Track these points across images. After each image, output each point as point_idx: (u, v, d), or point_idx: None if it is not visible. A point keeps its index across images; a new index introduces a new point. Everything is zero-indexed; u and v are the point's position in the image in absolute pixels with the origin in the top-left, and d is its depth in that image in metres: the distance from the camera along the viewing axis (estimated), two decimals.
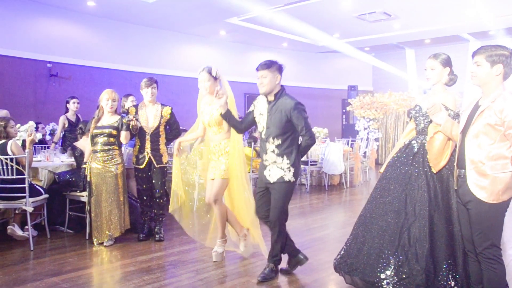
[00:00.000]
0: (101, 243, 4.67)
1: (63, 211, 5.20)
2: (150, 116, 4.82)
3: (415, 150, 3.27)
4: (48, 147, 6.91)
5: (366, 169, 10.39)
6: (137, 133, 4.81)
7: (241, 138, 4.21)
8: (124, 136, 4.71)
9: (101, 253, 4.50)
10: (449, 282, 2.93)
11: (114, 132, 4.71)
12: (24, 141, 5.45)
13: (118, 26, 11.85)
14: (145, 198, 4.93)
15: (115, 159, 4.75)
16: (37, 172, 5.21)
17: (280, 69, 3.61)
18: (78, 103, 6.83)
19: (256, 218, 4.00)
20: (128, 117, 4.69)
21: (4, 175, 4.46)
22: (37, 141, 6.67)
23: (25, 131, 5.79)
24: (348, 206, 7.48)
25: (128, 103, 5.72)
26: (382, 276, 3.03)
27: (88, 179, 4.74)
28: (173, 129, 4.99)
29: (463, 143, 2.68)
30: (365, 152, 10.67)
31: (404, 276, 2.97)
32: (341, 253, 3.45)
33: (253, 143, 7.25)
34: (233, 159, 4.11)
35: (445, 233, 3.01)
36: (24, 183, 4.46)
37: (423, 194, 3.09)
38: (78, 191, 5.03)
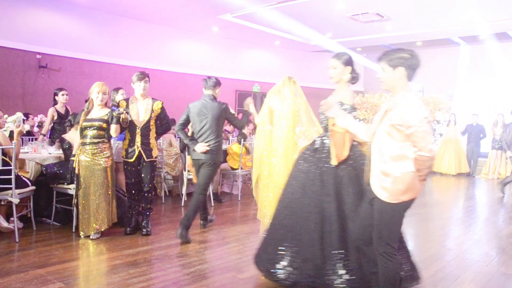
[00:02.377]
0: (88, 236, 4.65)
1: (50, 203, 5.16)
2: (141, 110, 4.81)
3: (316, 146, 3.46)
4: (36, 139, 6.84)
5: None
6: (128, 127, 4.79)
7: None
8: (114, 129, 4.68)
9: (87, 246, 4.48)
10: (337, 271, 3.07)
11: (104, 125, 4.69)
12: (11, 132, 5.39)
13: (110, 19, 11.76)
14: (133, 192, 4.92)
15: (104, 152, 4.73)
16: (24, 163, 5.17)
17: None
18: (66, 94, 6.75)
19: None
20: (119, 110, 4.66)
21: None
22: (25, 132, 6.61)
23: (13, 122, 5.73)
24: None
25: (119, 96, 5.69)
26: (278, 266, 3.25)
27: (76, 171, 4.70)
28: (163, 123, 4.98)
29: (372, 143, 2.80)
30: None
31: (296, 266, 3.17)
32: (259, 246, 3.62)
33: (242, 140, 7.26)
34: None
35: (336, 226, 3.14)
36: (11, 174, 4.42)
37: (317, 189, 3.27)
38: (66, 183, 5.00)
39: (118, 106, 4.82)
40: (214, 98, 4.89)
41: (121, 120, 4.66)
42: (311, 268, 3.13)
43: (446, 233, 5.73)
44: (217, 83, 4.93)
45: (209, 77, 4.93)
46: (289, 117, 4.11)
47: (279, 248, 3.29)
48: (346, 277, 3.05)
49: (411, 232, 5.74)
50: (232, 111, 5.00)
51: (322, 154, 3.37)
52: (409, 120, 2.51)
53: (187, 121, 4.94)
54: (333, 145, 3.28)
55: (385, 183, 2.61)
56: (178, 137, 7.63)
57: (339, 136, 3.25)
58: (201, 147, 4.73)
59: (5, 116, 5.43)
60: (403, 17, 11.57)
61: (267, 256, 3.38)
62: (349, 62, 3.44)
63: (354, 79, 3.50)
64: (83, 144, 4.71)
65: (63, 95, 6.69)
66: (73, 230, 4.85)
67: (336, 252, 3.11)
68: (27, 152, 5.41)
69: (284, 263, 3.23)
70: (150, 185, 4.91)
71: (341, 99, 3.37)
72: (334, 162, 3.25)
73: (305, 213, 3.26)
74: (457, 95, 14.56)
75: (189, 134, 5.04)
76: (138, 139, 4.78)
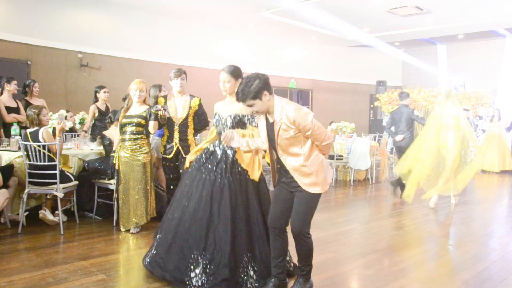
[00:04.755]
0: (128, 230, 4.78)
1: (92, 198, 5.33)
2: (179, 107, 4.87)
3: (219, 157, 3.51)
4: (78, 135, 7.06)
5: (392, 165, 10.26)
6: (166, 124, 4.87)
7: None
8: (152, 126, 4.77)
9: (127, 239, 4.60)
10: (249, 272, 3.27)
11: (143, 121, 4.78)
12: (54, 129, 5.59)
13: (148, 17, 11.98)
14: (172, 187, 5.00)
15: (143, 148, 4.83)
16: (68, 159, 5.35)
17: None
18: (107, 92, 6.92)
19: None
20: (157, 107, 4.74)
21: (37, 162, 4.59)
22: (67, 129, 6.84)
23: (56, 120, 5.93)
24: (373, 202, 7.40)
25: (162, 93, 5.75)
26: (192, 274, 3.25)
27: (116, 167, 4.83)
28: (200, 120, 5.03)
29: (278, 156, 2.98)
30: (392, 148, 10.52)
31: (211, 272, 3.21)
32: (152, 252, 3.56)
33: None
34: None
35: (244, 231, 3.32)
36: (55, 170, 4.59)
37: (226, 198, 3.35)
38: (107, 178, 5.14)
39: (157, 102, 4.90)
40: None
41: (159, 117, 4.74)
42: (227, 273, 3.18)
43: (490, 232, 5.53)
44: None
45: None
46: (451, 123, 6.37)
47: (191, 256, 3.29)
48: (255, 277, 3.27)
49: (453, 230, 5.58)
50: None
51: (227, 163, 3.45)
52: (306, 126, 2.81)
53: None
54: (243, 163, 3.45)
55: (311, 180, 2.91)
56: None
57: (249, 157, 3.46)
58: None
59: (50, 114, 5.63)
60: (444, 10, 11.21)
61: (172, 266, 3.33)
62: (239, 75, 3.58)
63: None
64: (123, 140, 4.82)
65: (104, 92, 6.86)
66: (114, 224, 4.99)
67: (246, 255, 3.29)
68: (70, 148, 5.58)
69: (197, 270, 3.24)
70: None
71: (240, 111, 3.51)
72: (255, 179, 3.45)
73: (221, 223, 3.30)
74: (501, 89, 14.00)
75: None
76: (176, 135, 4.86)
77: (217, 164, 3.49)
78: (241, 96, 2.84)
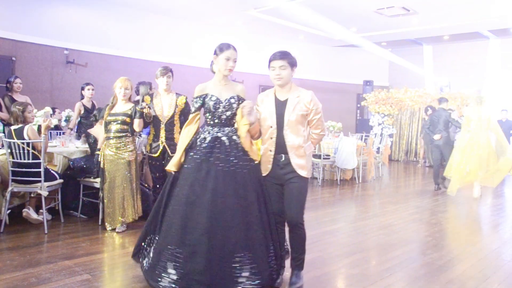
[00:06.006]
0: (114, 229, 4.73)
1: (77, 196, 5.27)
2: (165, 105, 4.84)
3: (227, 143, 3.27)
4: (64, 133, 6.97)
5: (379, 165, 10.33)
6: (152, 122, 4.84)
7: None
8: (137, 123, 4.74)
9: (113, 239, 4.56)
10: (243, 274, 3.02)
11: (128, 119, 4.75)
12: (39, 126, 5.50)
13: (136, 14, 11.88)
14: (158, 186, 4.97)
15: (128, 146, 4.79)
16: (53, 157, 5.28)
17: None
18: (92, 89, 6.82)
19: None
20: (142, 105, 4.71)
21: (21, 159, 4.52)
22: (52, 126, 6.75)
23: (41, 117, 5.85)
24: (359, 201, 7.45)
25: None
26: (241, 280, 3.01)
27: (101, 165, 4.78)
28: (187, 118, 4.99)
29: (280, 133, 3.16)
30: (378, 148, 10.59)
31: (257, 270, 3.04)
32: (180, 271, 3.04)
33: None
34: None
35: (267, 222, 3.21)
36: (40, 168, 4.53)
37: (250, 190, 3.17)
38: (92, 177, 5.09)
39: (143, 100, 4.87)
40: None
41: (144, 115, 4.70)
42: (274, 265, 3.16)
43: (474, 231, 5.61)
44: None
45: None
46: (484, 124, 7.39)
47: (232, 260, 3.03)
48: (252, 277, 3.05)
49: (438, 230, 5.64)
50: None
51: (226, 152, 3.25)
52: (317, 108, 3.18)
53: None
54: (245, 144, 3.29)
55: (302, 162, 3.16)
56: None
57: (248, 139, 3.31)
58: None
59: (35, 111, 5.55)
60: (430, 11, 11.33)
61: (217, 278, 3.00)
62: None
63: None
64: (108, 138, 4.78)
65: (88, 89, 6.77)
66: (99, 223, 4.94)
67: (239, 255, 3.04)
68: (55, 146, 5.52)
69: (245, 273, 3.02)
70: None
71: (239, 93, 3.47)
72: (258, 158, 3.35)
73: (245, 216, 3.11)
74: (485, 90, 14.19)
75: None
76: (162, 134, 4.82)
77: (213, 150, 3.23)
78: (283, 53, 3.17)
